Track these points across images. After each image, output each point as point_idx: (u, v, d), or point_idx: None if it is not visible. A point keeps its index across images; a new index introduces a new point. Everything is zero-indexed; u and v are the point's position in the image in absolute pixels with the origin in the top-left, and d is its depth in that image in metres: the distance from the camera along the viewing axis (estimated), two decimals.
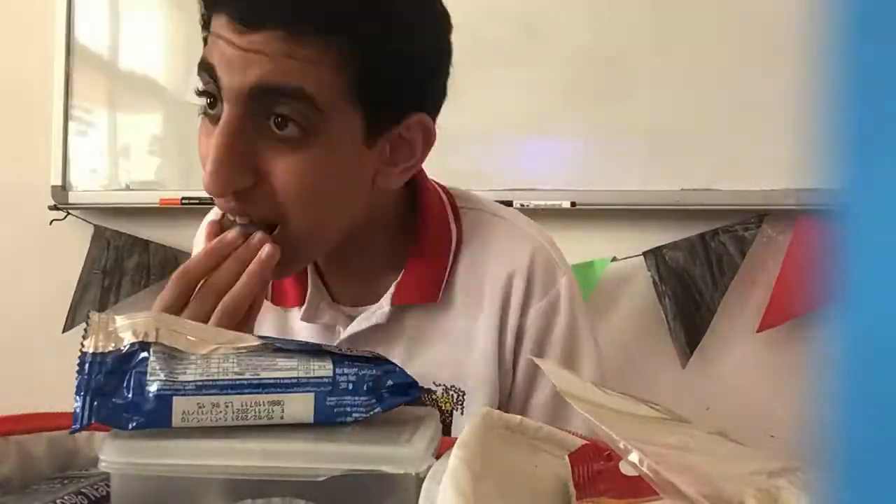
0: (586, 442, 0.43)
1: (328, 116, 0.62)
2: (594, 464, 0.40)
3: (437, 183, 0.81)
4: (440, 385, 0.76)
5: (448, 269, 0.76)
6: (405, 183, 0.77)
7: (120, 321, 0.43)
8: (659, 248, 1.47)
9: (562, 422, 0.66)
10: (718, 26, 1.45)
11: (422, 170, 0.80)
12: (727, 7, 1.44)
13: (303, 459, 0.39)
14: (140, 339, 0.42)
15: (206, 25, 0.65)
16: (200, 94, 0.64)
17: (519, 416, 0.45)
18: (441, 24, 0.69)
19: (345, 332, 0.76)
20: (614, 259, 1.46)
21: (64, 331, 1.66)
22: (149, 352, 0.41)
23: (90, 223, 1.68)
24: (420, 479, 0.37)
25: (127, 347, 0.41)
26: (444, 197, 0.80)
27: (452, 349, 0.76)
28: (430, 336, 0.76)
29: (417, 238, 0.76)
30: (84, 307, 1.66)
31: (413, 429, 0.42)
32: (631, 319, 1.51)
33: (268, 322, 0.80)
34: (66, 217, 1.68)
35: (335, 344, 0.77)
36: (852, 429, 0.15)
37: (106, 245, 1.67)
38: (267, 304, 0.78)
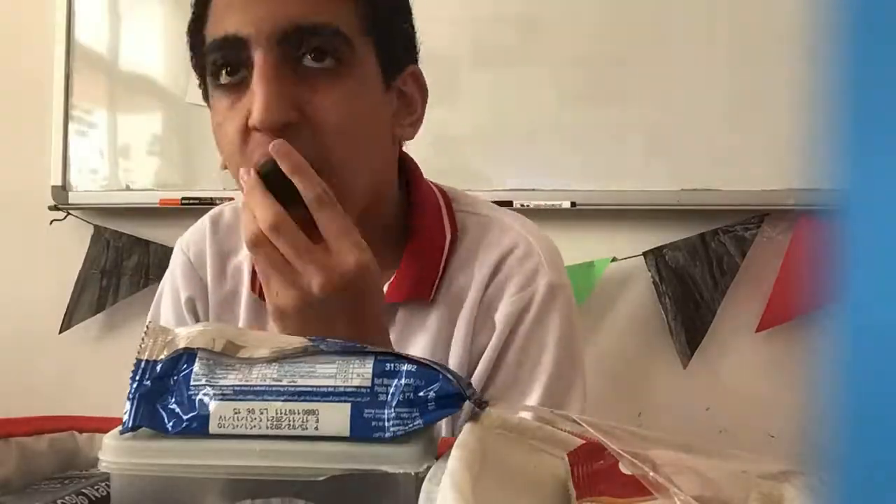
0: (586, 442, 0.43)
1: (357, 51, 0.67)
2: (594, 463, 0.39)
3: (433, 183, 0.82)
4: None
5: (441, 268, 0.76)
6: (403, 183, 0.78)
7: (180, 332, 0.44)
8: (659, 248, 1.47)
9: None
10: (718, 26, 1.45)
11: (418, 169, 0.81)
12: (727, 7, 1.44)
13: (303, 459, 0.39)
14: (194, 346, 0.42)
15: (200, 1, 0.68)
16: (219, 67, 0.66)
17: (518, 416, 0.45)
18: None
19: None
20: (614, 259, 1.46)
21: (60, 331, 1.66)
22: (195, 358, 0.42)
23: (90, 223, 1.68)
24: (420, 479, 0.37)
25: (176, 354, 0.42)
26: (440, 197, 0.81)
27: (435, 346, 0.76)
28: (416, 333, 0.76)
29: (412, 237, 0.77)
30: (81, 308, 1.66)
31: None
32: (631, 319, 1.50)
33: (251, 311, 0.79)
34: (66, 217, 1.68)
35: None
36: (851, 428, 0.15)
37: (105, 245, 1.67)
38: (249, 294, 0.79)
